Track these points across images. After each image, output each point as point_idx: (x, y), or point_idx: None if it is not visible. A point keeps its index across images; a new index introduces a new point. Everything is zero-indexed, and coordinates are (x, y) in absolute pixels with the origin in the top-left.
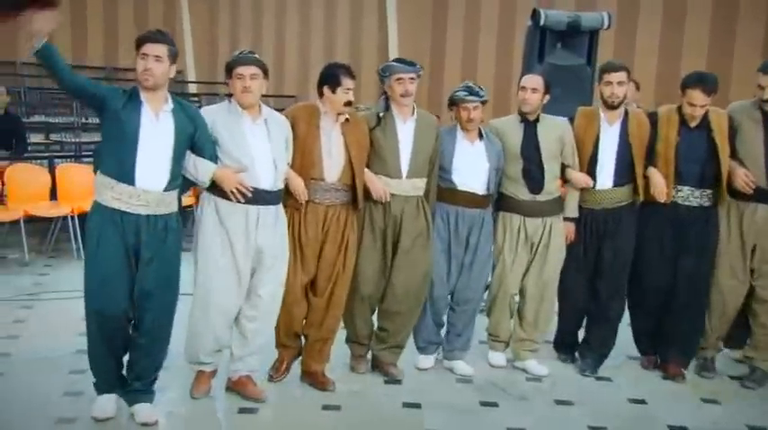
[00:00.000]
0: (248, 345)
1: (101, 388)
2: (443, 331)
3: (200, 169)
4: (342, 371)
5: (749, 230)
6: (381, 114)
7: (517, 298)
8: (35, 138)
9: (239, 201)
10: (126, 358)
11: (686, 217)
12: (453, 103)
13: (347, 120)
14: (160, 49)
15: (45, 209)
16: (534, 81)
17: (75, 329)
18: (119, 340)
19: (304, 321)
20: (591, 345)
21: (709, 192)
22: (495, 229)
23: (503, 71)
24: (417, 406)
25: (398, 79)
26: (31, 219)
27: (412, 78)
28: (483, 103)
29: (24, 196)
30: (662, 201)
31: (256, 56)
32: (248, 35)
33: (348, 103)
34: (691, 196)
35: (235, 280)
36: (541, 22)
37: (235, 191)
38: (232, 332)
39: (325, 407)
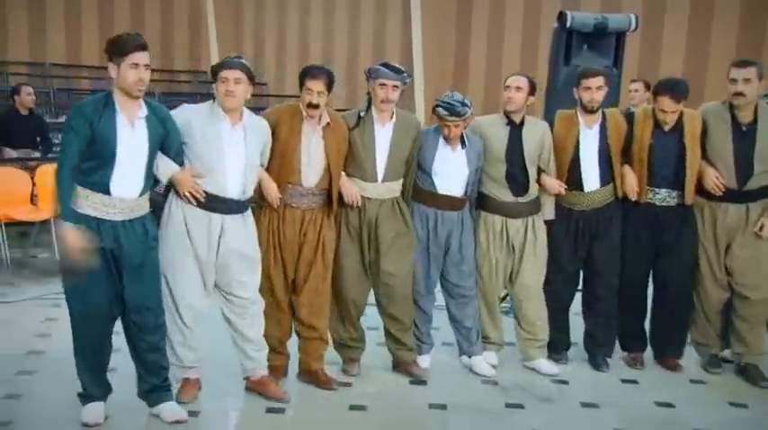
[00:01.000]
0: (248, 339)
1: (87, 396)
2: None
3: (160, 168)
4: (368, 371)
5: (722, 229)
6: (362, 114)
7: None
8: None
9: (190, 203)
10: (137, 359)
11: (665, 218)
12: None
13: (328, 124)
14: (144, 58)
15: None
16: (519, 80)
17: None
18: (105, 339)
19: (294, 323)
20: (598, 341)
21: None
22: (476, 229)
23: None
24: (443, 407)
25: (382, 84)
26: None
27: (395, 86)
28: (465, 119)
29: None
30: (633, 199)
31: (243, 61)
32: (273, 36)
33: (310, 105)
34: (668, 197)
35: (199, 278)
36: (568, 24)
37: (188, 194)
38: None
39: (352, 408)
